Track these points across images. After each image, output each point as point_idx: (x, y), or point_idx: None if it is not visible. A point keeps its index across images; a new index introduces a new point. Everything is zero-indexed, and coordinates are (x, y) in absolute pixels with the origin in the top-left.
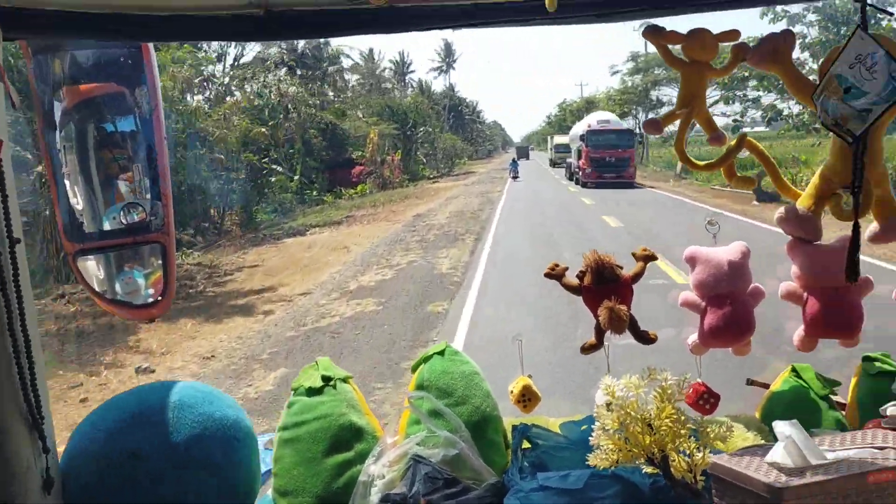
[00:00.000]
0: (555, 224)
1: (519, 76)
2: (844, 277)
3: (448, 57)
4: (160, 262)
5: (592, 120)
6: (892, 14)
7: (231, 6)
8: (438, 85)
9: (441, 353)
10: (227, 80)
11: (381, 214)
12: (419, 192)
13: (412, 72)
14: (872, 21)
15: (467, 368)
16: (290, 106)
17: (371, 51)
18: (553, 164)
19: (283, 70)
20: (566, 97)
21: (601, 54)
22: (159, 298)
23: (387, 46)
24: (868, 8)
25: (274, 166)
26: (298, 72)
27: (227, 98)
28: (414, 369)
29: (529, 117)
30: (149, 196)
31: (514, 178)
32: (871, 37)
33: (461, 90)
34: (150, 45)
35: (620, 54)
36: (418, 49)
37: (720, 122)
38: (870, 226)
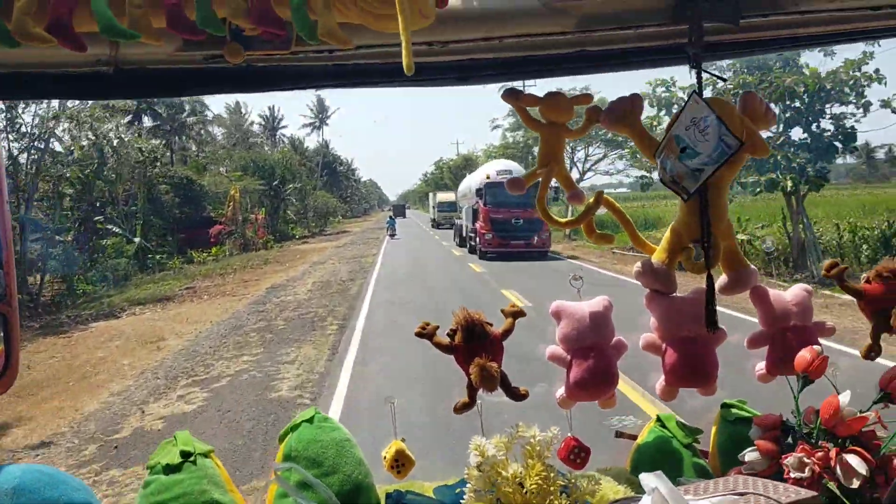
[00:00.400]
0: (445, 302)
1: (395, 134)
2: (699, 327)
3: (321, 113)
4: (1, 334)
5: (491, 170)
6: (725, 79)
7: (78, 63)
8: (312, 141)
9: (310, 420)
10: (50, 123)
11: (228, 286)
12: (283, 254)
13: (283, 127)
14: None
15: (338, 436)
16: (131, 158)
17: (238, 104)
18: (436, 224)
19: (128, 117)
20: (443, 155)
21: (480, 109)
22: (0, 375)
23: (255, 100)
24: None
25: (109, 226)
26: (147, 121)
27: (51, 145)
28: (281, 439)
29: (405, 175)
30: None
31: (392, 235)
32: (705, 101)
33: (336, 147)
34: None
35: (501, 108)
36: (290, 104)
37: (604, 181)
38: (719, 277)
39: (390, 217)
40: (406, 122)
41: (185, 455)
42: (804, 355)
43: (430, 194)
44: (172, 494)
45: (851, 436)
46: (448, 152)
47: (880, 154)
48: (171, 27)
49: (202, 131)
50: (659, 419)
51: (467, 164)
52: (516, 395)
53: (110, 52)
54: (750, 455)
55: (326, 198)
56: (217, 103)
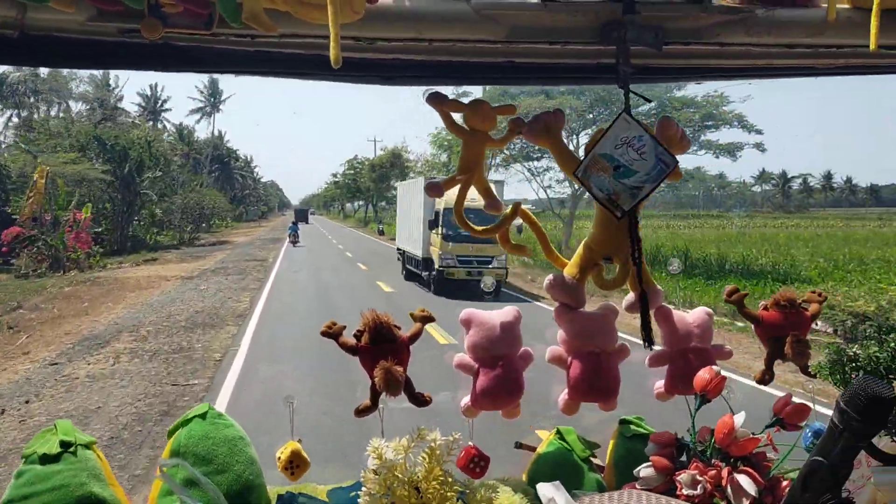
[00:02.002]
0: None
1: (301, 132)
2: (605, 343)
3: (214, 97)
4: None
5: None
6: (650, 101)
7: None
8: (206, 131)
9: (202, 415)
10: None
11: None
12: (102, 287)
13: (167, 110)
14: None
15: (231, 433)
16: None
17: (107, 76)
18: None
19: None
20: (358, 153)
21: (403, 104)
22: None
23: (135, 76)
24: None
25: None
26: None
27: None
28: (171, 434)
29: (310, 179)
30: None
31: (294, 242)
32: (636, 121)
33: (234, 142)
34: None
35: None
36: (177, 84)
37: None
38: (626, 296)
39: (293, 223)
40: (315, 117)
41: (65, 445)
42: (703, 375)
43: (403, 187)
44: (47, 486)
45: (743, 456)
46: (365, 150)
47: (796, 184)
48: None
49: (59, 107)
50: (559, 432)
51: (395, 162)
52: (420, 400)
53: (16, 15)
54: (645, 471)
55: (215, 196)
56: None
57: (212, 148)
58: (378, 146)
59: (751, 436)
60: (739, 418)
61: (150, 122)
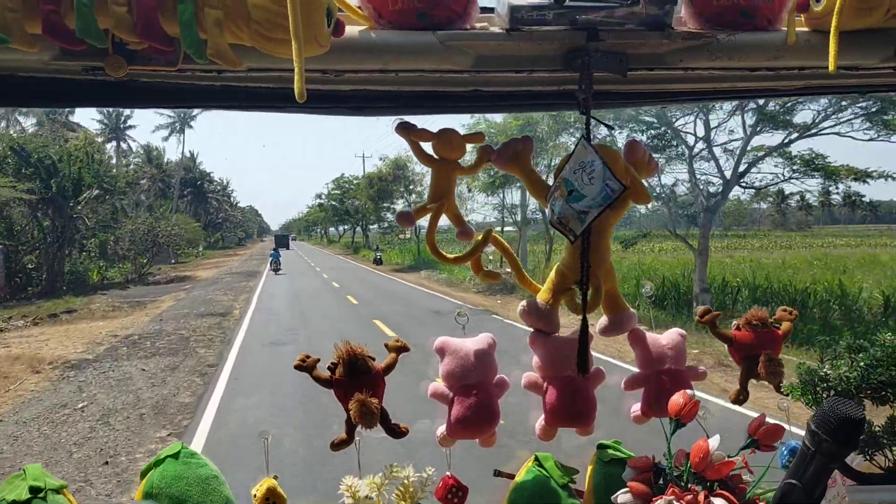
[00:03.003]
0: None
1: (280, 156)
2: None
3: (184, 112)
4: None
5: None
6: (612, 127)
7: None
8: (176, 151)
9: (175, 455)
10: None
11: None
12: None
13: (131, 127)
14: None
15: (204, 472)
16: None
17: None
18: None
19: None
20: (345, 172)
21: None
22: None
23: None
24: (592, 119)
25: None
26: None
27: None
28: (143, 474)
29: (290, 204)
30: None
31: (276, 270)
32: (592, 147)
33: (208, 164)
34: None
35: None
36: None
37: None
38: (600, 319)
39: (273, 250)
40: (293, 140)
41: (35, 491)
42: (677, 399)
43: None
44: None
45: (719, 479)
46: (352, 167)
47: (792, 202)
48: (47, 34)
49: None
50: (536, 458)
51: (399, 175)
52: (396, 432)
53: None
54: (623, 497)
55: (186, 222)
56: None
57: (183, 170)
58: (369, 161)
59: (726, 459)
60: (714, 442)
61: (113, 142)
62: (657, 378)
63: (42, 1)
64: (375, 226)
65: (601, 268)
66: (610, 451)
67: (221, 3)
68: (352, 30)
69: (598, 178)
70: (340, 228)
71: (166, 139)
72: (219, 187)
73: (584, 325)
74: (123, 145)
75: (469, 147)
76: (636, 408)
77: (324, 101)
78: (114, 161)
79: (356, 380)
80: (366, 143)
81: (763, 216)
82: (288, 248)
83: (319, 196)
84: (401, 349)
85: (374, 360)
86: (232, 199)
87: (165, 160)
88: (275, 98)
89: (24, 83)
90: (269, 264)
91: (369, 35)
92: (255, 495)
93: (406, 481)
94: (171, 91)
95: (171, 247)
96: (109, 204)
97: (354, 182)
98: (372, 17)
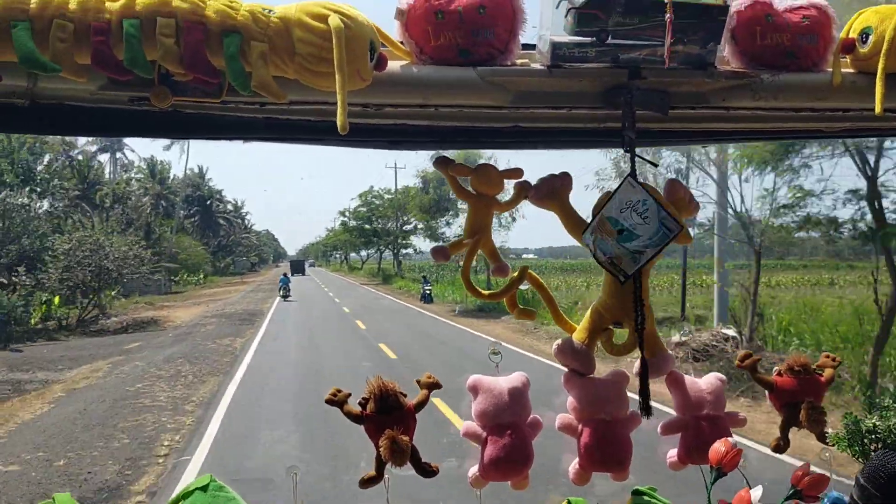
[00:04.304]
0: None
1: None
2: (617, 410)
3: None
4: None
5: None
6: (657, 165)
7: None
8: (179, 163)
9: (203, 488)
10: None
11: None
12: None
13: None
14: None
15: None
16: None
17: None
18: None
19: None
20: (373, 184)
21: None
22: None
23: None
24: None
25: None
26: None
27: None
28: None
29: (308, 229)
30: None
31: (285, 297)
32: (640, 185)
33: (220, 184)
34: None
35: None
36: None
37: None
38: (637, 361)
39: (283, 275)
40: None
41: None
42: (718, 447)
43: None
44: None
45: None
46: (381, 180)
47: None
48: (96, 64)
49: None
50: (569, 503)
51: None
52: (426, 471)
53: (27, 85)
54: None
55: (193, 245)
56: None
57: (189, 187)
58: (403, 174)
59: None
60: (757, 493)
61: (108, 154)
62: (696, 424)
63: (92, 32)
64: (411, 250)
65: (641, 309)
66: (646, 497)
67: (267, 36)
68: (393, 65)
69: (652, 217)
70: (363, 253)
71: (168, 148)
72: (232, 208)
73: (644, 364)
74: (125, 158)
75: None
76: (672, 454)
77: (363, 135)
78: (108, 174)
79: (387, 416)
80: (399, 153)
81: (813, 246)
82: (304, 274)
83: (343, 213)
84: (432, 386)
85: (405, 396)
86: (246, 222)
87: (172, 176)
88: (315, 130)
89: (73, 112)
90: (278, 289)
91: (411, 70)
92: None
93: None
94: (214, 123)
95: (136, 275)
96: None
97: (385, 196)
98: (413, 53)
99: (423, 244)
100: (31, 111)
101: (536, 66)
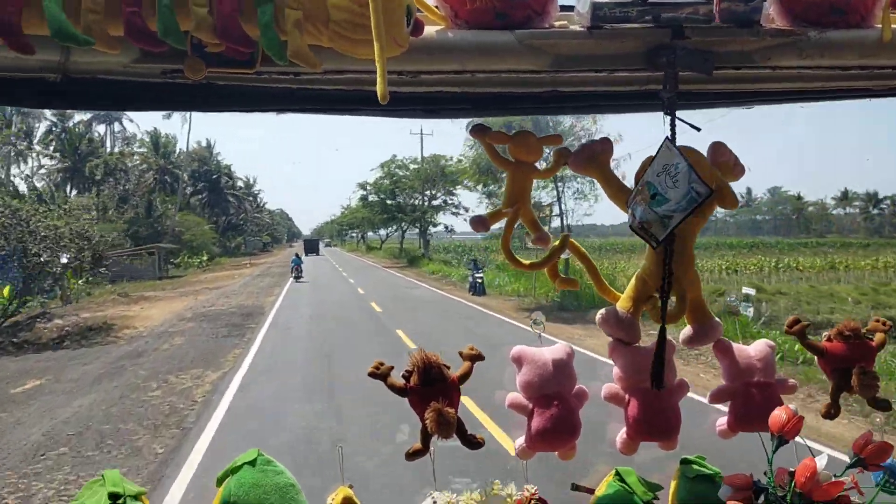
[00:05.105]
0: None
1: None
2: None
3: None
4: None
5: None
6: (699, 129)
7: (22, 68)
8: (180, 132)
9: (252, 462)
10: None
11: None
12: None
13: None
14: None
15: (282, 480)
16: None
17: None
18: None
19: None
20: (395, 153)
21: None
22: None
23: None
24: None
25: None
26: None
27: None
28: (219, 482)
29: (322, 208)
30: None
31: (297, 278)
32: (676, 149)
33: (231, 161)
34: None
35: None
36: None
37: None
38: (684, 329)
39: (296, 255)
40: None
41: (114, 497)
42: (779, 415)
43: None
44: None
45: (827, 501)
46: (405, 148)
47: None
48: (129, 36)
49: None
50: (617, 473)
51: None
52: (472, 442)
53: (59, 59)
54: None
55: (198, 223)
56: None
57: (195, 161)
58: (430, 141)
59: (833, 479)
60: (822, 460)
61: (104, 125)
62: (745, 391)
63: (124, 2)
64: (441, 227)
65: (685, 275)
66: (695, 466)
67: (301, 4)
68: (429, 30)
69: (682, 180)
70: (381, 232)
71: (168, 116)
72: (243, 186)
73: (662, 335)
74: (125, 130)
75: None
76: (721, 421)
77: (398, 104)
78: (107, 147)
79: (431, 388)
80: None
81: (850, 223)
82: (318, 254)
83: (363, 186)
84: (475, 357)
85: (448, 368)
86: (258, 200)
87: (178, 150)
88: (349, 100)
89: (105, 86)
90: (291, 270)
91: (446, 35)
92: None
93: (508, 500)
94: (248, 94)
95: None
96: None
97: (411, 167)
98: (448, 17)
99: (456, 222)
100: (63, 86)
101: (576, 27)
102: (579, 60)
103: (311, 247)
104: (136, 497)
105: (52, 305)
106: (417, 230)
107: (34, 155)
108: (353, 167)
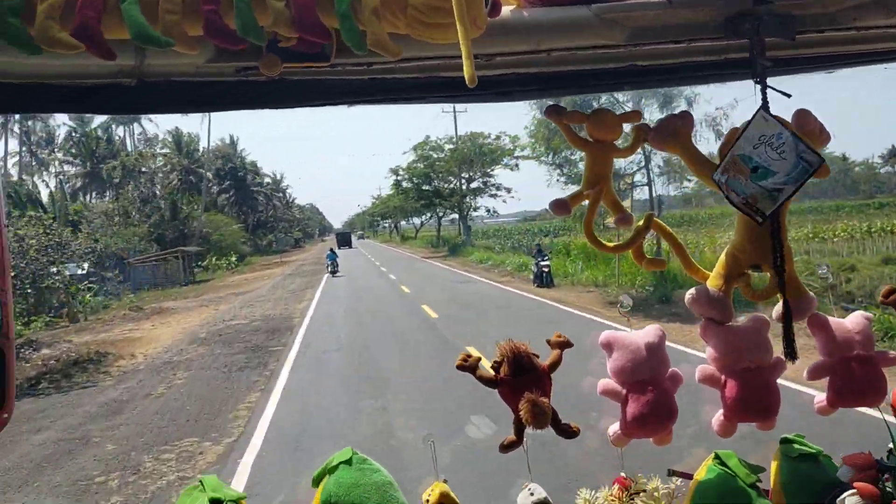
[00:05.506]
0: None
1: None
2: (761, 357)
3: None
4: None
5: None
6: (790, 95)
7: (98, 74)
8: (201, 130)
9: (348, 461)
10: None
11: None
12: None
13: None
14: None
15: (380, 478)
16: None
17: None
18: None
19: None
20: (429, 134)
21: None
22: None
23: None
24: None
25: None
26: None
27: None
28: (316, 482)
29: (353, 199)
30: None
31: (333, 273)
32: (774, 118)
33: (256, 157)
34: None
35: None
36: None
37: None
38: (777, 305)
39: (330, 251)
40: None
41: (215, 503)
42: None
43: None
44: None
45: None
46: (438, 128)
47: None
48: (208, 35)
49: None
50: (717, 456)
51: None
52: (567, 432)
53: (135, 63)
54: (850, 499)
55: (227, 223)
56: None
57: (217, 158)
58: (463, 118)
59: None
60: None
61: (123, 127)
62: (845, 365)
63: (202, 1)
64: (482, 211)
65: (780, 249)
66: (796, 445)
67: None
68: (503, 10)
69: (789, 151)
70: (412, 221)
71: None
72: (268, 181)
73: (787, 306)
74: (145, 131)
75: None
76: (820, 398)
77: (469, 88)
78: (128, 150)
79: (522, 378)
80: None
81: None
82: (350, 247)
83: (395, 171)
84: (564, 345)
85: (538, 357)
86: (288, 196)
87: (201, 148)
88: (422, 88)
89: (180, 88)
90: (326, 267)
91: (521, 14)
92: (426, 501)
93: (656, 493)
94: (320, 88)
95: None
96: None
97: (446, 147)
98: None
99: (496, 204)
100: (138, 90)
101: None
102: (657, 32)
103: (344, 240)
104: (236, 502)
105: (60, 324)
106: (456, 216)
107: (56, 162)
108: (383, 153)
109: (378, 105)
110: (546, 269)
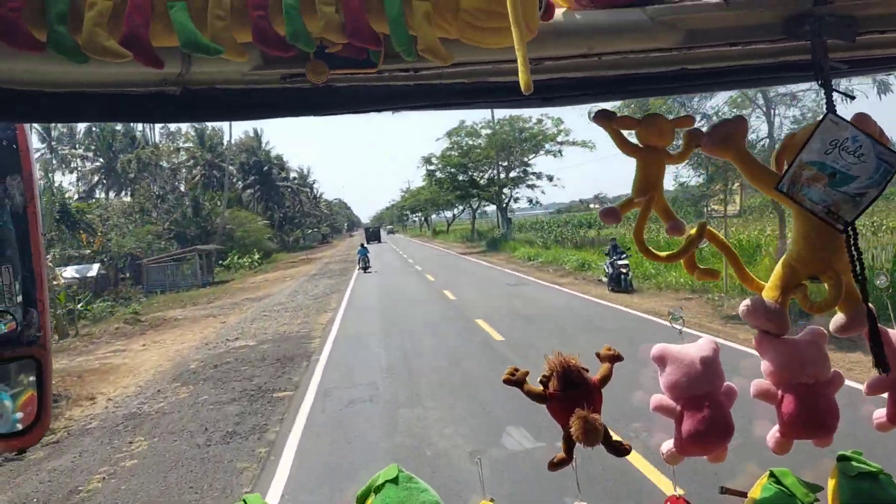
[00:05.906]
0: None
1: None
2: (819, 372)
3: None
4: (33, 379)
5: None
6: (853, 97)
7: (143, 83)
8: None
9: (394, 480)
10: None
11: None
12: None
13: None
14: None
15: (427, 498)
16: None
17: None
18: None
19: None
20: (464, 119)
21: None
22: (30, 425)
23: None
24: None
25: None
26: None
27: None
28: (360, 502)
29: (380, 195)
30: (20, 301)
31: (365, 269)
32: (846, 121)
33: (282, 151)
34: (27, 127)
35: None
36: None
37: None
38: (835, 317)
39: (361, 246)
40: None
41: None
42: None
43: None
44: None
45: None
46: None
47: None
48: (258, 41)
49: None
50: (772, 474)
51: None
52: (619, 449)
53: (180, 71)
54: None
55: (250, 219)
56: None
57: (241, 152)
58: None
59: None
60: None
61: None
62: None
63: (251, 6)
64: (524, 202)
65: (840, 259)
66: (854, 463)
67: None
68: (556, 12)
69: (868, 153)
70: (443, 215)
71: None
72: (299, 178)
73: (871, 316)
74: (167, 126)
75: None
76: (880, 413)
77: (514, 94)
78: (150, 142)
79: (572, 393)
80: None
81: None
82: (379, 241)
83: (428, 160)
84: (614, 358)
85: (587, 371)
86: (315, 191)
87: (224, 142)
88: (466, 94)
89: (224, 96)
90: (357, 262)
91: (573, 16)
92: None
93: None
94: (365, 95)
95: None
96: None
97: (483, 132)
98: None
99: (537, 195)
100: (183, 98)
101: None
102: (713, 34)
103: (373, 235)
104: None
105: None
106: (494, 207)
107: (77, 159)
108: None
109: (423, 111)
110: (625, 271)
